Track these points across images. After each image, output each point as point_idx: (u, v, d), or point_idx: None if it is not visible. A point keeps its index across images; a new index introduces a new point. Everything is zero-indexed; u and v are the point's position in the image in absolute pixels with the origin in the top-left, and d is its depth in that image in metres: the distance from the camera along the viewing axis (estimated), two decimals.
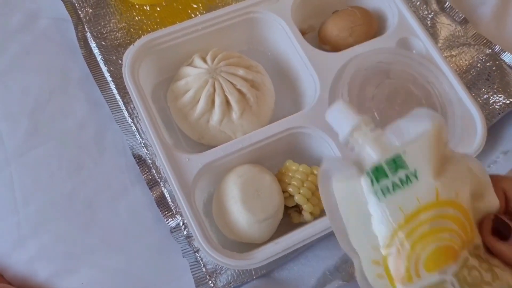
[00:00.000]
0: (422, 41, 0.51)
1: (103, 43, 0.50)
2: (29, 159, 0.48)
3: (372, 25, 0.52)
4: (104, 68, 0.49)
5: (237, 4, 0.50)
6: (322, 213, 0.44)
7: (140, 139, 0.47)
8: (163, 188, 0.46)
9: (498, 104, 0.50)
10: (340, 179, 0.27)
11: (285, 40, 0.50)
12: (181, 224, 0.45)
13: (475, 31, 0.55)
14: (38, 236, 0.45)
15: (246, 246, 0.43)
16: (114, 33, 0.51)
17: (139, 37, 0.48)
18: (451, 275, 0.24)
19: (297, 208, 0.44)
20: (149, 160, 0.47)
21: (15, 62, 0.52)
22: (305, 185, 0.43)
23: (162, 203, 0.46)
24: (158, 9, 0.53)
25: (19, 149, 0.48)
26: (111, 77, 0.49)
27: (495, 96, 0.50)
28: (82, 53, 0.51)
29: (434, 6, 0.56)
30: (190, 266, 0.44)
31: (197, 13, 0.53)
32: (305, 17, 0.53)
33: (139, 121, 0.47)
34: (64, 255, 0.45)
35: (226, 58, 0.47)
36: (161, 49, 0.48)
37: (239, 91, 0.46)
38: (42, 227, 0.45)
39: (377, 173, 0.25)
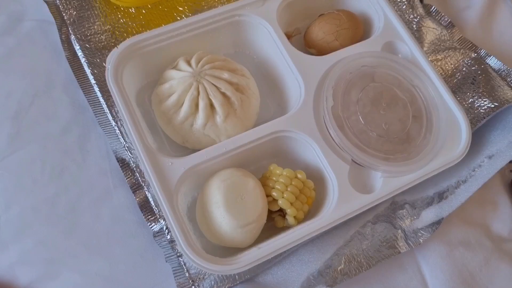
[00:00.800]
0: (407, 45, 0.51)
1: (87, 45, 0.50)
2: (11, 163, 0.47)
3: (358, 29, 0.52)
4: (88, 71, 0.49)
5: (223, 7, 0.50)
6: (306, 218, 0.44)
7: (124, 143, 0.47)
8: (146, 192, 0.46)
9: (483, 108, 0.50)
10: None
11: (271, 43, 0.50)
12: (164, 228, 0.44)
13: (461, 35, 0.55)
14: (19, 241, 0.45)
15: (230, 250, 0.43)
16: (99, 35, 0.51)
17: (124, 39, 0.47)
18: None
19: (281, 213, 0.44)
20: (132, 164, 0.46)
21: None
22: (289, 189, 0.43)
23: (145, 207, 0.45)
24: (144, 11, 0.53)
25: (1, 152, 0.48)
26: (94, 80, 0.49)
27: (480, 100, 0.50)
28: (66, 56, 0.50)
29: (420, 10, 0.56)
30: (173, 271, 0.43)
31: (183, 16, 0.53)
32: (291, 21, 0.53)
33: (123, 124, 0.47)
34: (46, 260, 0.44)
35: (210, 61, 0.47)
36: (146, 52, 0.48)
37: (224, 94, 0.45)
38: (23, 232, 0.45)
39: None
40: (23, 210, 0.46)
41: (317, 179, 0.45)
